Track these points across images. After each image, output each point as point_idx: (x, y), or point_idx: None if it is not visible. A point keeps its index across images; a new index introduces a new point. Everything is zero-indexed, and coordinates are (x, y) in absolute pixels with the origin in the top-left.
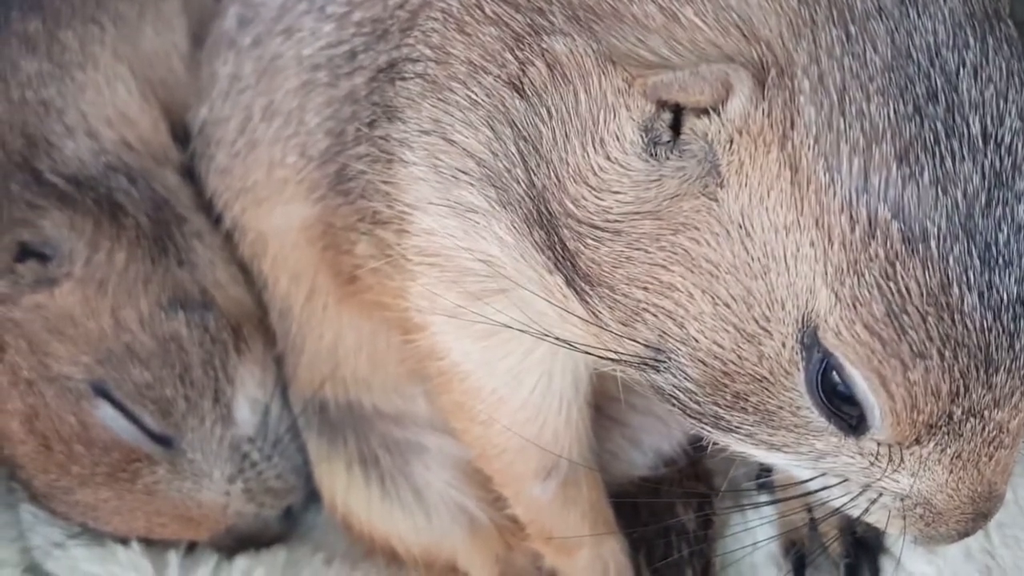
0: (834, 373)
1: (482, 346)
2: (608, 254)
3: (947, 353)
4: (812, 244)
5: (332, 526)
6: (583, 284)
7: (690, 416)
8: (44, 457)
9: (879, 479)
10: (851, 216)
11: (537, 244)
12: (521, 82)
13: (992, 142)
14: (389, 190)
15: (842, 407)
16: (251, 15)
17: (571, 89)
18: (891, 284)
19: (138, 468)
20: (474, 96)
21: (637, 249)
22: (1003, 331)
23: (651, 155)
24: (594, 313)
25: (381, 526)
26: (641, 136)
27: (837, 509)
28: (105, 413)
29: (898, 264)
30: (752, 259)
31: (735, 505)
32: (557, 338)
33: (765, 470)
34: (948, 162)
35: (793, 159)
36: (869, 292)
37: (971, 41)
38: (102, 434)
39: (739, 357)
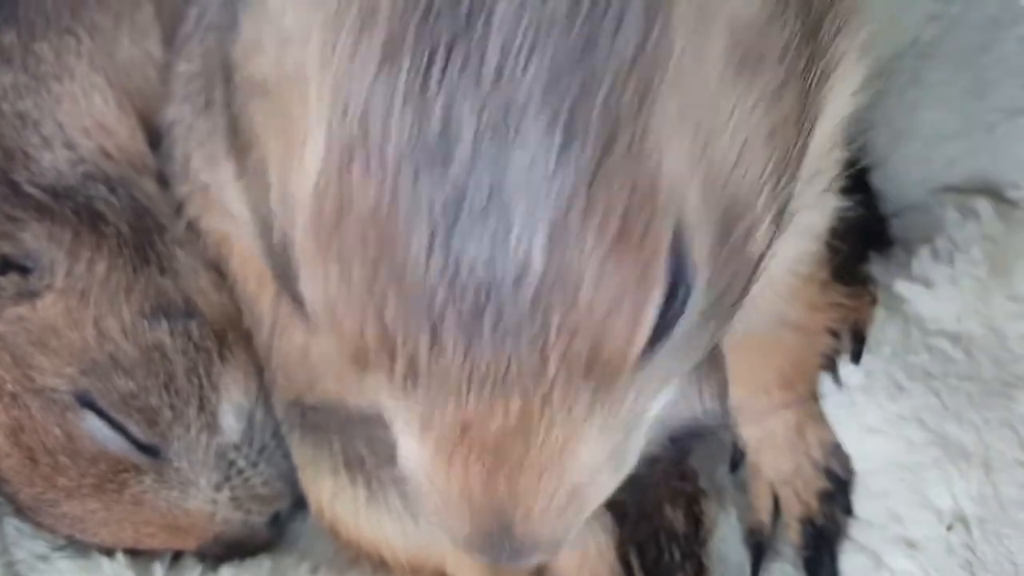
0: None
1: None
2: (256, 115)
3: (379, 280)
4: (319, 106)
5: (318, 534)
6: (242, 155)
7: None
8: (30, 470)
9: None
10: (336, 92)
11: (223, 131)
12: None
13: (503, 79)
14: None
15: None
16: (203, 14)
17: None
18: (346, 176)
19: (125, 478)
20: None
21: (271, 113)
22: (456, 299)
23: None
24: (247, 188)
25: (368, 531)
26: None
27: None
28: (90, 424)
29: (356, 161)
30: (299, 123)
31: (720, 507)
32: None
33: (737, 454)
34: (435, 82)
35: (322, 22)
36: (330, 176)
37: None
38: (88, 445)
39: (285, 227)
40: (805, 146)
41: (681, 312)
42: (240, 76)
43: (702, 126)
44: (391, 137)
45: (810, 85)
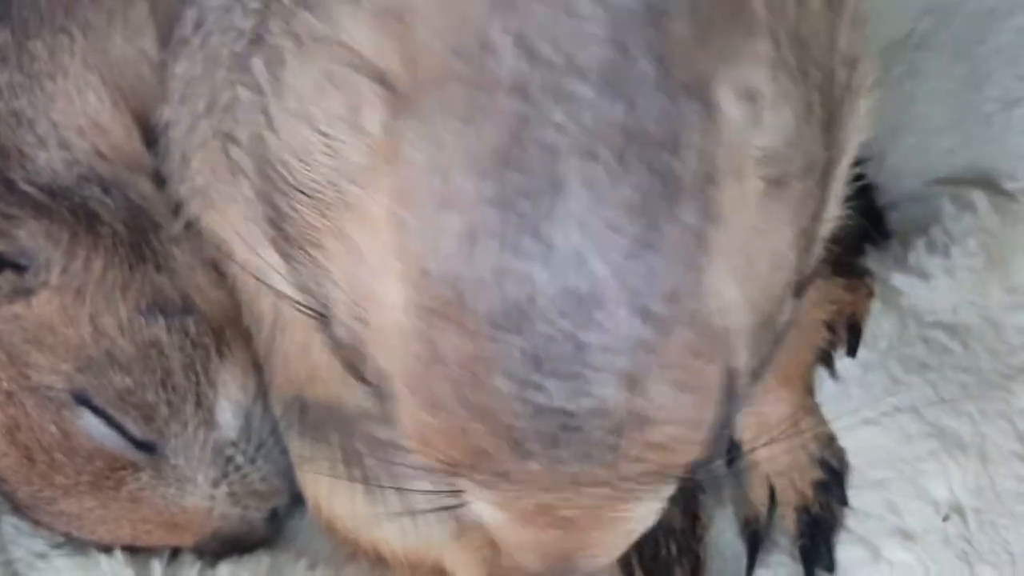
0: None
1: None
2: (306, 217)
3: (469, 417)
4: (396, 270)
5: (315, 531)
6: (287, 246)
7: (350, 370)
8: (26, 468)
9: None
10: (419, 262)
11: (258, 216)
12: (273, 53)
13: (578, 261)
14: None
15: None
16: (202, 16)
17: (299, 64)
18: (436, 334)
19: (122, 476)
20: (250, 67)
21: (322, 216)
22: (539, 432)
23: (351, 124)
24: (293, 272)
25: (366, 527)
26: (345, 113)
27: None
28: (87, 421)
29: (444, 321)
30: (374, 258)
31: (716, 501)
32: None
33: (733, 448)
34: (515, 259)
35: (393, 188)
36: (416, 331)
37: (606, 158)
38: (85, 443)
39: (355, 332)
40: (825, 206)
41: (732, 412)
42: (283, 172)
43: (746, 258)
44: (475, 305)
45: (830, 164)
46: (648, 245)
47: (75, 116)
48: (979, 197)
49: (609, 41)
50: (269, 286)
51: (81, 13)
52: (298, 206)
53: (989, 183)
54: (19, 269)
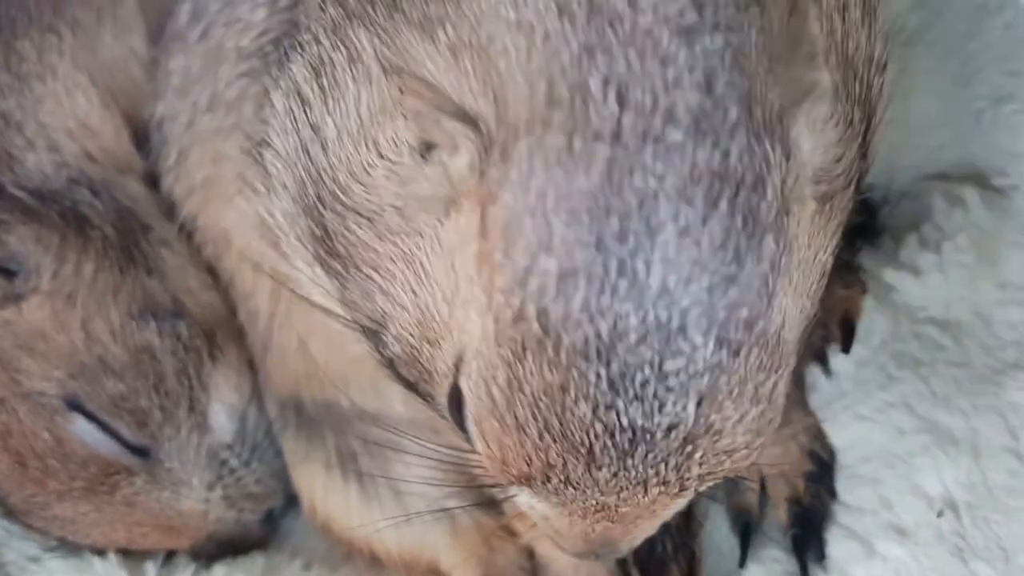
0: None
1: None
2: (361, 238)
3: (547, 437)
4: (480, 301)
5: (310, 531)
6: (338, 264)
7: (399, 379)
8: (20, 474)
9: (504, 484)
10: (508, 299)
11: (301, 232)
12: (322, 68)
13: (666, 297)
14: None
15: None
16: (200, 10)
17: (356, 87)
18: (518, 365)
19: (116, 480)
20: (290, 72)
21: (381, 239)
22: (614, 446)
23: (421, 155)
24: (342, 288)
25: (361, 527)
26: (415, 142)
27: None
28: (80, 427)
29: (530, 354)
30: (447, 285)
31: (710, 498)
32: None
33: None
34: (607, 298)
35: (485, 229)
36: (501, 361)
37: (697, 200)
38: (78, 448)
39: (419, 351)
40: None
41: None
42: (335, 190)
43: (802, 273)
44: (564, 340)
45: (865, 171)
46: (731, 279)
47: (64, 118)
48: (970, 193)
49: (699, 85)
50: (305, 298)
51: (70, 12)
52: (353, 226)
53: (979, 179)
54: (9, 274)
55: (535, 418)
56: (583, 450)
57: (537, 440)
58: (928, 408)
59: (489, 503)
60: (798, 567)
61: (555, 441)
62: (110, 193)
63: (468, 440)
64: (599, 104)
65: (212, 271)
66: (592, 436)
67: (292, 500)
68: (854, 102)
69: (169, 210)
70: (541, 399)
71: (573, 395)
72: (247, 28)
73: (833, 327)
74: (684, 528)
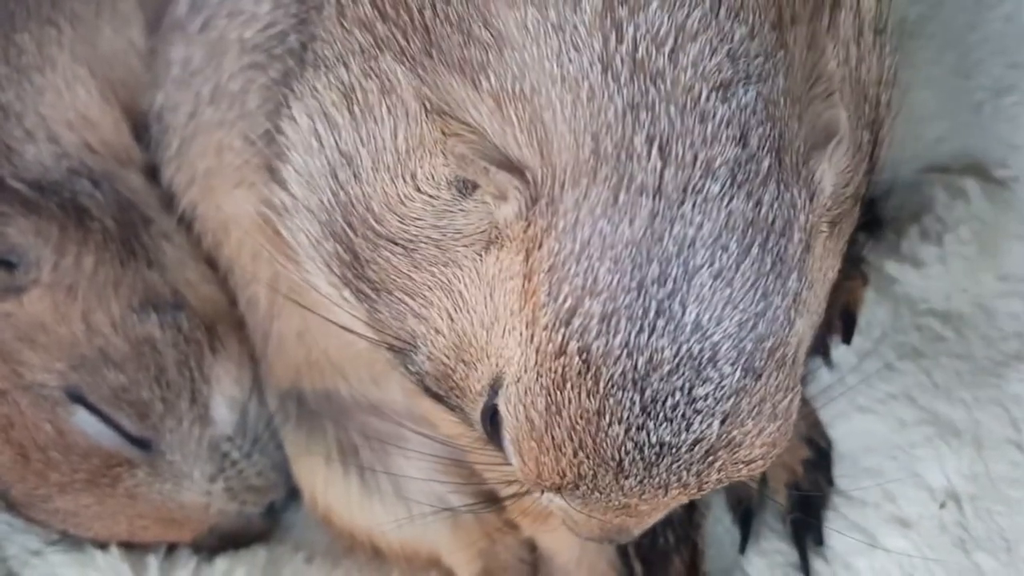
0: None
1: None
2: (396, 265)
3: (581, 454)
4: (521, 334)
5: (312, 524)
6: (368, 288)
7: (424, 390)
8: (21, 466)
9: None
10: (550, 335)
11: (327, 255)
12: (353, 94)
13: (700, 333)
14: None
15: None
16: (199, 2)
17: (392, 120)
18: (557, 393)
19: (118, 472)
20: (314, 90)
21: (416, 267)
22: (642, 459)
23: (459, 190)
24: (371, 310)
25: (362, 520)
26: (453, 178)
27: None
28: (82, 419)
29: (569, 384)
30: (485, 314)
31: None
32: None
33: None
34: (645, 336)
35: (528, 271)
36: (541, 389)
37: (732, 246)
38: (80, 440)
39: (453, 370)
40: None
41: None
42: (368, 218)
43: (814, 295)
44: (602, 372)
45: (871, 184)
46: (759, 315)
47: (64, 110)
48: (971, 185)
49: (734, 139)
50: (331, 320)
51: (68, 5)
52: (387, 254)
53: (980, 171)
54: (9, 267)
55: (571, 439)
56: (613, 463)
57: (571, 457)
58: (930, 399)
59: (490, 498)
60: (798, 555)
61: (588, 457)
62: (111, 185)
63: (501, 452)
64: (643, 160)
65: (211, 263)
66: (623, 452)
67: (294, 493)
68: (864, 126)
69: (168, 202)
70: (577, 422)
71: (608, 419)
72: (251, 20)
73: (834, 319)
74: (686, 520)
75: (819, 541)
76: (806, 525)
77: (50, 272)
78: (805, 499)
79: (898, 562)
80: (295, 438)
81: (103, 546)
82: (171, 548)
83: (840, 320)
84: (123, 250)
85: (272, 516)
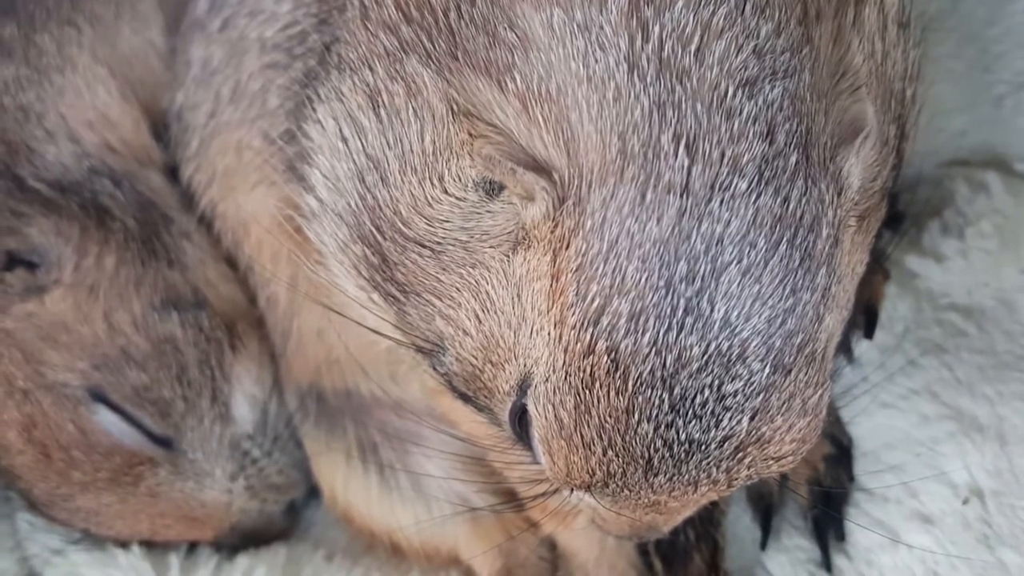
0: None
1: None
2: (423, 267)
3: (610, 453)
4: (549, 334)
5: (332, 522)
6: (396, 290)
7: (452, 389)
8: (44, 466)
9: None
10: (579, 335)
11: (355, 258)
12: (379, 97)
13: (728, 330)
14: None
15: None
16: (219, 1)
17: (419, 123)
18: (586, 392)
19: (140, 471)
20: (340, 93)
21: (444, 269)
22: (671, 456)
23: (486, 191)
24: (399, 312)
25: (381, 518)
26: (479, 179)
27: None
28: (104, 418)
29: (598, 383)
30: (513, 314)
31: None
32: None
33: None
34: (673, 334)
35: (556, 271)
36: (570, 388)
37: (760, 243)
38: (102, 439)
39: (481, 370)
40: None
41: None
42: (396, 221)
43: (843, 290)
44: (631, 371)
45: (897, 178)
46: (788, 311)
47: (84, 110)
48: (992, 179)
49: (761, 135)
50: (358, 322)
51: (88, 5)
52: (415, 256)
53: (1001, 164)
54: (31, 267)
55: (600, 437)
56: (642, 461)
57: (601, 456)
58: (952, 395)
59: (510, 497)
60: (820, 551)
61: (617, 456)
62: (131, 184)
63: (529, 452)
64: (670, 158)
65: (231, 262)
66: (652, 450)
67: (314, 491)
68: (891, 120)
69: (188, 201)
70: (607, 421)
71: (637, 417)
72: (271, 19)
73: (856, 314)
74: (707, 518)
75: (841, 537)
76: (828, 521)
77: (72, 272)
78: (826, 495)
79: (921, 558)
80: (315, 436)
81: (124, 545)
82: (192, 547)
83: (862, 315)
84: (144, 249)
85: (292, 514)
